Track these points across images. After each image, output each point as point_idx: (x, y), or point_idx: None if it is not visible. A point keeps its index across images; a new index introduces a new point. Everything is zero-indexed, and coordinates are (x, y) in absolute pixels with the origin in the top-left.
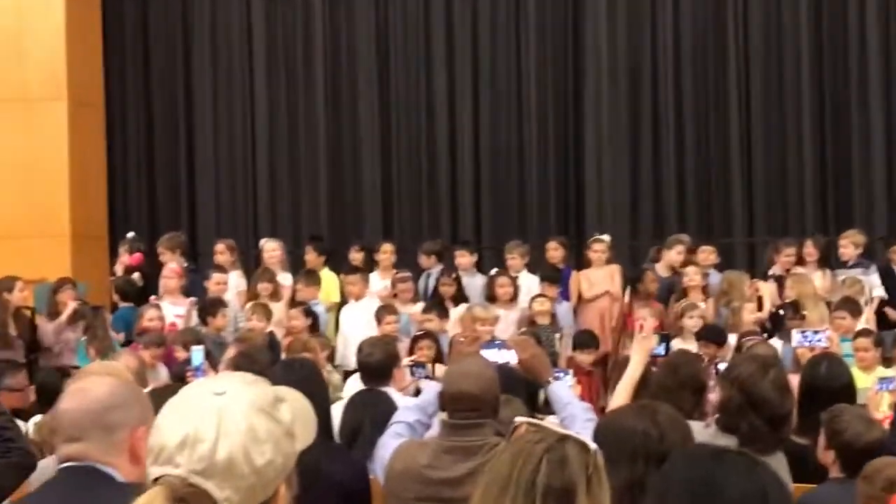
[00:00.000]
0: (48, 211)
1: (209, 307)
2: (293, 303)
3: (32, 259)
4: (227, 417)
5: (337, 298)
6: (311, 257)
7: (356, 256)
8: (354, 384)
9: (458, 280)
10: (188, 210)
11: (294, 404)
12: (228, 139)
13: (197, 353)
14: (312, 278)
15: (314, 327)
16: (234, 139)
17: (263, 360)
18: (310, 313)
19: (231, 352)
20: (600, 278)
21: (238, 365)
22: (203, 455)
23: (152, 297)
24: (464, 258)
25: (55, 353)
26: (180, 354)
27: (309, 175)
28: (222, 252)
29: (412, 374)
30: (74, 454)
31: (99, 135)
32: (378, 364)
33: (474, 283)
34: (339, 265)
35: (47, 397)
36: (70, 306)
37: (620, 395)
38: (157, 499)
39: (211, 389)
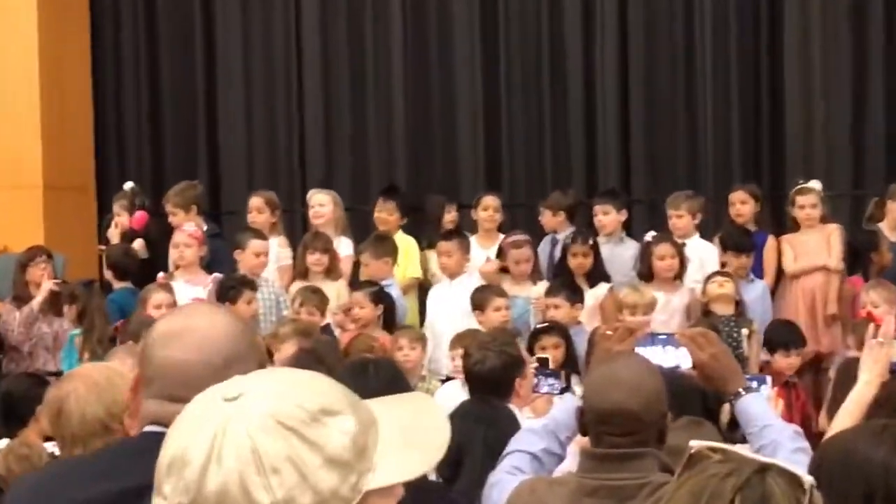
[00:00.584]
0: (9, 155)
1: (230, 289)
2: (356, 282)
3: None
4: (229, 434)
5: (418, 274)
6: (384, 217)
7: (450, 218)
8: (448, 396)
9: (595, 248)
10: (207, 153)
11: (364, 418)
12: (264, 57)
13: None
14: (385, 247)
15: (388, 317)
16: (271, 56)
17: (333, 359)
18: (381, 297)
19: (288, 348)
20: (811, 246)
21: (300, 366)
22: (189, 484)
23: (160, 275)
24: (607, 216)
25: (24, 353)
26: None
27: (379, 106)
28: (259, 210)
29: (537, 384)
30: (171, 417)
31: (82, 48)
32: (492, 375)
33: (620, 254)
34: (422, 230)
35: (14, 414)
36: (44, 287)
37: (844, 419)
38: None
39: (224, 392)
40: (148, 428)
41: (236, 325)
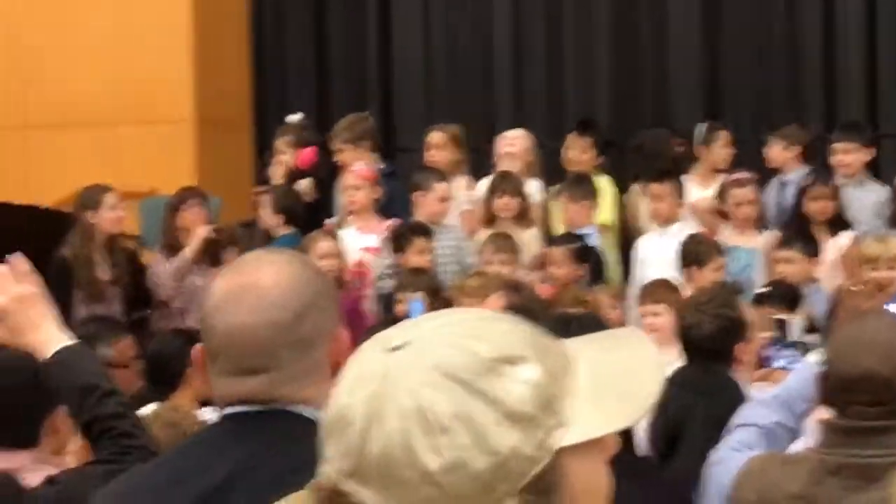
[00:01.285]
0: (156, 87)
1: (399, 236)
2: (550, 232)
3: (131, 158)
4: (389, 389)
5: (613, 221)
6: (576, 156)
7: (677, 154)
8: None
9: (835, 191)
10: (379, 83)
11: (555, 364)
12: None
13: (416, 306)
14: (583, 189)
15: (597, 271)
16: None
17: (545, 316)
18: (584, 254)
19: (494, 301)
20: None
21: None
22: (350, 447)
23: (328, 221)
24: (848, 154)
25: (176, 308)
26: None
27: (579, 30)
28: (440, 146)
29: (770, 356)
30: (249, 394)
31: None
32: (710, 342)
33: (861, 198)
34: (624, 173)
35: (164, 377)
36: (198, 234)
37: None
38: None
39: (387, 340)
40: (227, 410)
41: (301, 271)
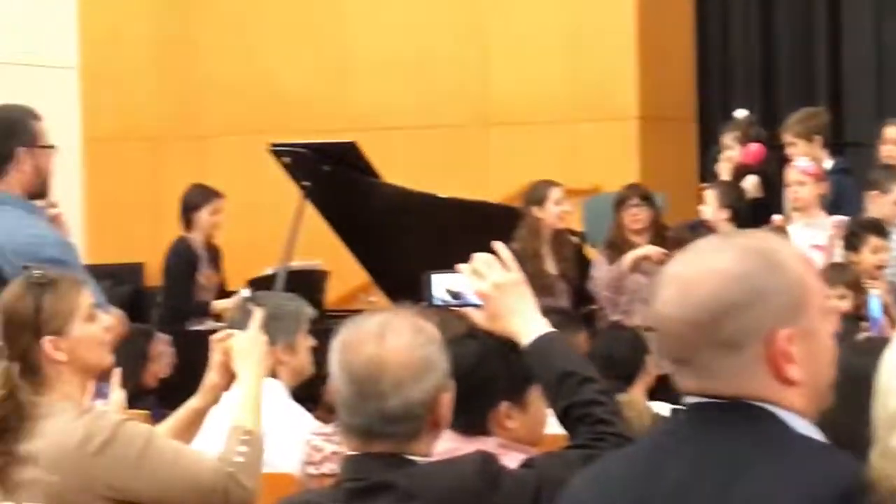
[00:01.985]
0: (600, 85)
1: (851, 235)
2: None
3: (580, 156)
4: None
5: None
6: None
7: None
8: None
9: None
10: (828, 75)
11: None
12: None
13: (875, 302)
14: None
15: None
16: None
17: None
18: None
19: None
20: None
21: None
22: None
23: (775, 217)
24: None
25: (619, 308)
26: None
27: None
28: None
29: None
30: (697, 386)
31: None
32: None
33: None
34: None
35: (617, 372)
36: (641, 252)
37: None
38: None
39: None
40: (689, 399)
41: (738, 264)
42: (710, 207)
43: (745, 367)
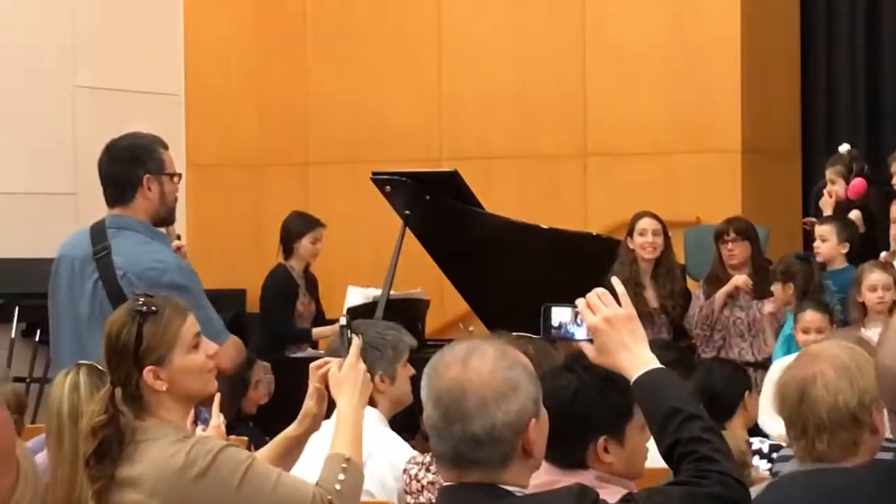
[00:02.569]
0: (703, 116)
1: None
2: None
3: (682, 187)
4: None
5: None
6: None
7: None
8: None
9: None
10: None
11: None
12: None
13: None
14: None
15: None
16: None
17: None
18: None
19: None
20: None
21: None
22: None
23: (883, 254)
24: None
25: (713, 346)
26: None
27: None
28: None
29: None
30: None
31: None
32: None
33: None
34: None
35: (717, 405)
36: (734, 281)
37: None
38: None
39: None
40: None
41: None
42: (831, 242)
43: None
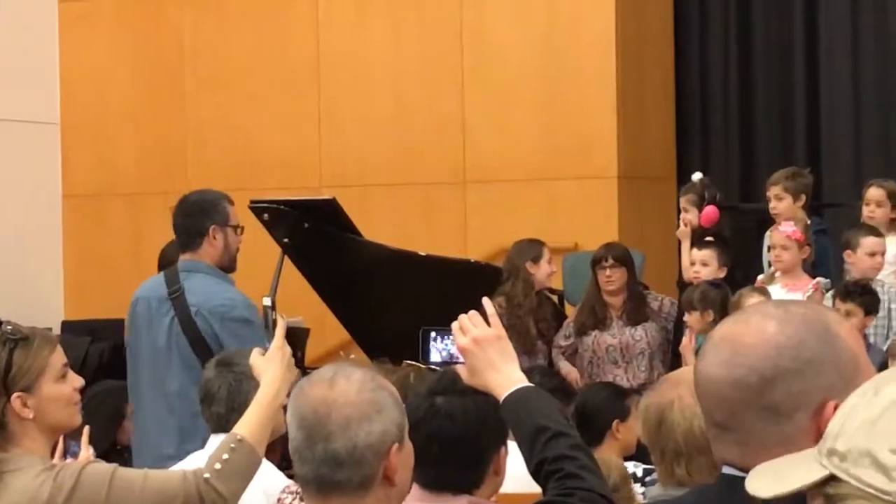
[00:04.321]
0: (580, 142)
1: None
2: None
3: (560, 214)
4: None
5: None
6: None
7: None
8: None
9: None
10: (806, 135)
11: None
12: (875, 22)
13: None
14: None
15: None
16: (887, 21)
17: None
18: None
19: None
20: None
21: None
22: None
23: (760, 278)
24: None
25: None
26: None
27: None
28: (879, 202)
29: None
30: (728, 456)
31: (664, 25)
32: None
33: None
34: None
35: (591, 428)
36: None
37: None
38: None
39: None
40: (725, 470)
41: (793, 332)
42: (711, 267)
43: (791, 438)
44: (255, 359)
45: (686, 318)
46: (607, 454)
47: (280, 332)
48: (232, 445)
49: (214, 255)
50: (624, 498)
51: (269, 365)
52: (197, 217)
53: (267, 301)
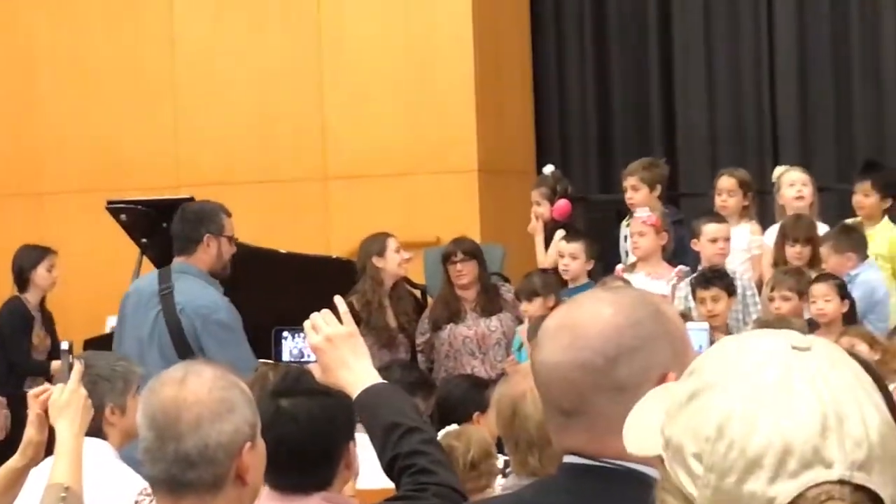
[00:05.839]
0: (440, 137)
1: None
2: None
3: (421, 209)
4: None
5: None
6: (859, 200)
7: None
8: None
9: None
10: (662, 127)
11: None
12: (728, 16)
13: None
14: (849, 240)
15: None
16: (737, 14)
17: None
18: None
19: None
20: None
21: None
22: (859, 438)
23: (618, 267)
24: None
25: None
26: None
27: (867, 72)
28: (730, 191)
29: None
30: (575, 444)
31: (520, 18)
32: None
33: None
34: None
35: (452, 420)
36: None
37: None
38: None
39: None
40: (567, 459)
41: (629, 313)
42: (580, 260)
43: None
44: (54, 400)
45: (523, 306)
46: (472, 427)
47: (76, 375)
48: (63, 495)
49: (207, 261)
50: (484, 473)
51: (68, 408)
52: (194, 225)
53: (65, 345)
